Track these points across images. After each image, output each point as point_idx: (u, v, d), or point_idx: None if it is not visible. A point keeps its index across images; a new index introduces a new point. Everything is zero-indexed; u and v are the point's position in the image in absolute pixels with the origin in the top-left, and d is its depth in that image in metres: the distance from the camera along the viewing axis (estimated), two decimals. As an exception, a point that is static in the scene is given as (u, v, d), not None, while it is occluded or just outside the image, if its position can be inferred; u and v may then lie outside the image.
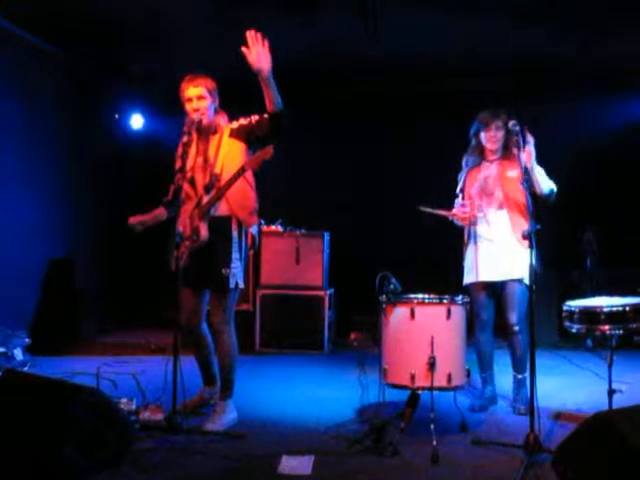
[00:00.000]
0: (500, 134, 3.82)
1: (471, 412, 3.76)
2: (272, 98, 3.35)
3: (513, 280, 3.76)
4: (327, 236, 6.06)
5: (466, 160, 4.00)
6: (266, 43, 3.25)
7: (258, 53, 3.24)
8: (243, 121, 3.58)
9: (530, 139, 3.51)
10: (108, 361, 5.18)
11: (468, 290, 3.89)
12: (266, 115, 3.43)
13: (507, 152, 3.84)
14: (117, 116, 7.10)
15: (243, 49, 3.25)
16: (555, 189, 3.79)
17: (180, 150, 3.54)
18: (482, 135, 3.87)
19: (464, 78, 6.33)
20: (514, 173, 3.75)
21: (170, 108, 6.66)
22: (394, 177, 6.69)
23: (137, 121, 7.22)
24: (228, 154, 3.51)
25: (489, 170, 3.91)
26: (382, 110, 6.80)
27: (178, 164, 3.54)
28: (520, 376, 3.86)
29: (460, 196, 3.96)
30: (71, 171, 6.30)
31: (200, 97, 3.52)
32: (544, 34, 5.42)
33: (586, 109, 6.45)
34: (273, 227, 6.05)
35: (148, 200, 7.21)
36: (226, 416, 3.55)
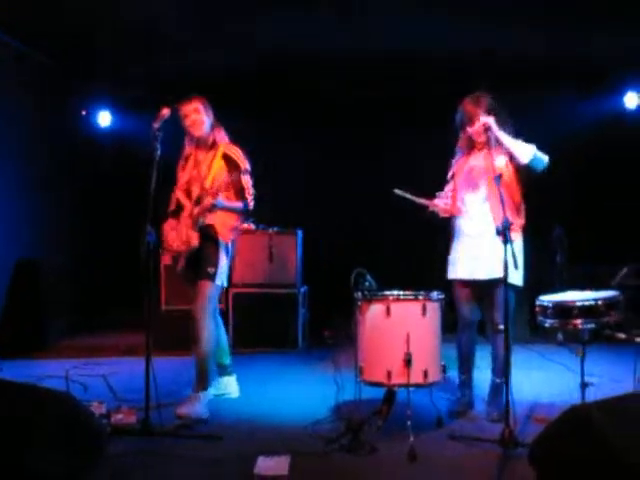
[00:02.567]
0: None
1: (449, 418, 3.62)
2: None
3: (499, 279, 3.47)
4: (300, 234, 6.02)
5: (457, 151, 3.83)
6: None
7: None
8: (239, 164, 3.79)
9: (485, 118, 3.47)
10: (77, 364, 5.07)
11: (451, 285, 3.77)
12: (242, 203, 3.81)
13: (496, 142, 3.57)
14: (84, 113, 6.96)
15: None
16: (541, 155, 3.56)
17: (181, 163, 3.95)
18: (468, 129, 3.69)
19: (450, 76, 6.32)
20: (500, 161, 3.52)
21: (138, 105, 6.64)
22: (368, 173, 6.68)
23: (105, 118, 7.09)
24: (219, 171, 3.78)
25: (476, 160, 3.72)
26: (365, 108, 6.78)
27: (179, 175, 3.95)
28: (499, 380, 3.65)
29: (451, 183, 3.82)
30: (37, 169, 6.15)
31: (195, 110, 3.79)
32: (517, 32, 5.48)
33: (556, 106, 6.52)
34: (245, 225, 5.98)
35: (116, 198, 7.11)
36: (198, 406, 3.59)
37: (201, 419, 3.53)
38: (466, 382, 3.84)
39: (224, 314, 5.76)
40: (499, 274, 3.45)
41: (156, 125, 3.51)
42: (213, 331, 3.78)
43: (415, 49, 5.83)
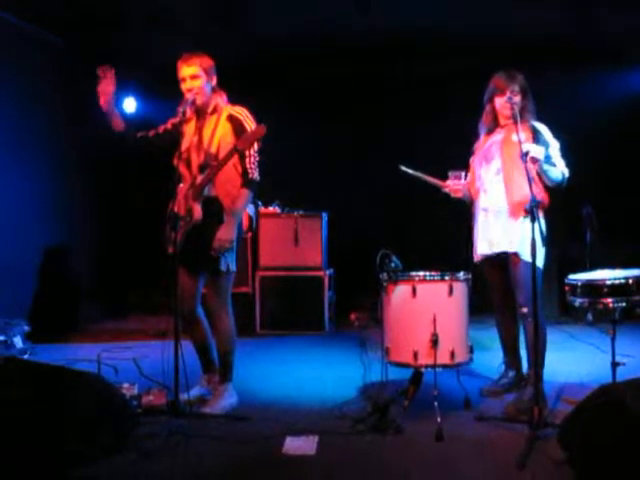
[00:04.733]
0: (517, 99, 3.47)
1: (482, 397, 3.64)
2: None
3: (512, 255, 3.48)
4: (325, 216, 6.02)
5: (480, 128, 3.74)
6: None
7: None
8: (245, 126, 3.41)
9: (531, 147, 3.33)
10: (108, 347, 5.16)
11: (481, 268, 3.71)
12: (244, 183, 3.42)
13: (521, 117, 3.40)
14: (110, 99, 7.00)
15: None
16: (567, 173, 3.51)
17: (173, 119, 3.55)
18: (497, 100, 3.56)
19: (463, 53, 6.24)
20: (520, 137, 3.30)
21: (164, 91, 6.64)
22: (394, 154, 6.60)
23: (130, 105, 7.13)
24: (224, 135, 3.44)
25: (497, 136, 3.62)
26: (382, 87, 6.74)
27: (166, 125, 3.64)
28: (527, 372, 3.55)
29: (471, 167, 3.76)
30: (64, 157, 6.24)
31: (194, 76, 3.44)
32: (543, 9, 5.35)
33: (585, 84, 6.39)
34: (271, 208, 6.02)
35: (142, 184, 7.19)
36: (225, 400, 3.53)
37: (231, 409, 3.49)
38: (509, 364, 3.78)
39: (250, 297, 5.84)
40: (514, 249, 3.46)
41: (181, 109, 3.41)
42: (232, 322, 3.58)
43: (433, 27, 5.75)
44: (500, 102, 3.56)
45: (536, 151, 3.33)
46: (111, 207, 6.93)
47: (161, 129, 3.68)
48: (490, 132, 3.69)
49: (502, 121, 3.63)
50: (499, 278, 3.66)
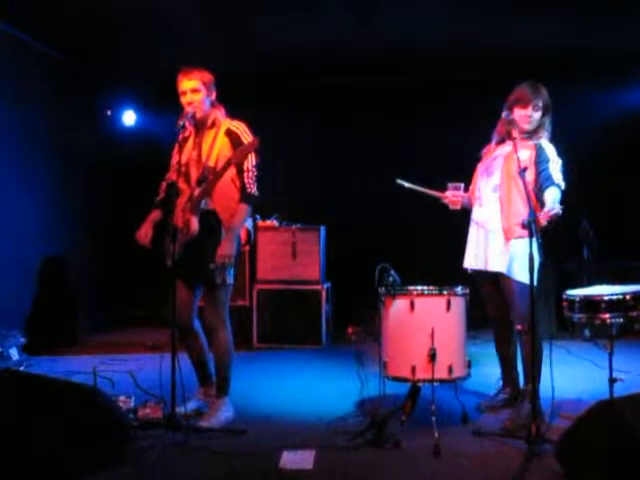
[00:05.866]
0: (537, 115, 3.46)
1: (479, 412, 3.63)
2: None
3: (500, 274, 3.46)
4: (323, 230, 6.03)
5: (493, 135, 3.70)
6: None
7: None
8: (243, 141, 3.44)
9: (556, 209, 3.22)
10: (105, 359, 5.15)
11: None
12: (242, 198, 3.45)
13: (536, 133, 3.45)
14: (109, 112, 7.04)
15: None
16: (563, 185, 3.44)
17: (177, 147, 3.52)
18: (516, 111, 3.49)
19: (464, 67, 6.29)
20: (523, 155, 3.29)
21: (163, 104, 6.71)
22: (392, 168, 6.63)
23: (129, 117, 7.17)
24: (223, 149, 3.47)
25: (505, 148, 3.59)
26: (381, 101, 6.77)
27: (174, 159, 3.57)
28: (522, 387, 3.57)
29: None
30: (64, 168, 6.25)
31: (194, 90, 3.47)
32: (544, 23, 5.41)
33: (582, 99, 6.43)
34: (269, 222, 6.03)
35: (141, 197, 7.19)
36: (222, 414, 3.51)
37: (228, 423, 3.49)
38: (506, 380, 3.77)
39: (248, 310, 5.83)
40: (503, 269, 3.44)
41: (180, 122, 3.43)
42: (230, 335, 3.56)
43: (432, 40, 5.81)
44: (520, 114, 3.51)
45: (555, 209, 3.23)
46: (109, 219, 6.93)
47: (164, 185, 3.66)
48: (501, 142, 3.66)
49: (514, 132, 3.53)
50: (491, 292, 3.65)
